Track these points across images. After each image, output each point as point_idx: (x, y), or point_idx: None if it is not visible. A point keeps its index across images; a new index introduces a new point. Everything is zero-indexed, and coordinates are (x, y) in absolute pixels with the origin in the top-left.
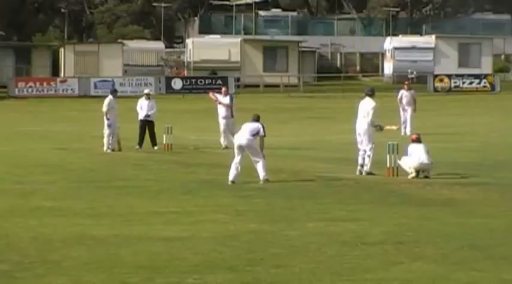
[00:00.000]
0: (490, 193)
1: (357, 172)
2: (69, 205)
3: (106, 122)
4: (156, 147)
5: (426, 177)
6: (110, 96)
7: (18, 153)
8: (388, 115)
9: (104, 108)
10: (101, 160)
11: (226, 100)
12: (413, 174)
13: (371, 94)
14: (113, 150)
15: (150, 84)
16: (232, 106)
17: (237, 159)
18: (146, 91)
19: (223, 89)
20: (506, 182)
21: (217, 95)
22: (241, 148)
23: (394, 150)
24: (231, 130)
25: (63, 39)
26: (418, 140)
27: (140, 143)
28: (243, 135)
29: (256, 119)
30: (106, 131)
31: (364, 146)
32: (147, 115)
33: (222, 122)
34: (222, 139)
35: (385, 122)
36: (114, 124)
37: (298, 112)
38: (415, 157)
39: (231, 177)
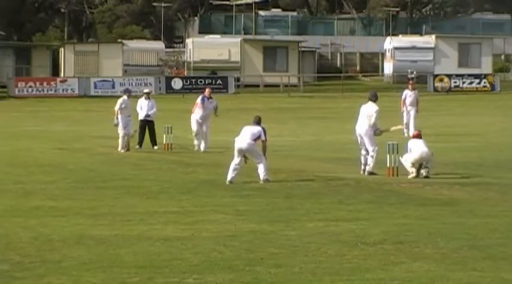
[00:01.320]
0: (490, 193)
1: (361, 172)
2: (69, 205)
3: (115, 121)
4: (156, 147)
5: (427, 177)
6: (124, 96)
7: (18, 153)
8: (387, 116)
9: (116, 107)
10: (101, 160)
11: (210, 104)
12: (414, 174)
13: (374, 100)
14: (127, 150)
15: (150, 84)
16: (215, 108)
17: (237, 160)
18: (146, 90)
19: (207, 91)
20: (506, 182)
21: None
22: (241, 151)
23: (394, 150)
24: (205, 134)
25: (63, 39)
26: (418, 136)
27: (140, 143)
28: (244, 138)
29: (258, 121)
30: (121, 131)
31: (367, 147)
32: (147, 115)
33: (195, 123)
34: (196, 142)
35: (387, 125)
36: (127, 124)
37: (298, 112)
38: (416, 150)
39: (229, 177)
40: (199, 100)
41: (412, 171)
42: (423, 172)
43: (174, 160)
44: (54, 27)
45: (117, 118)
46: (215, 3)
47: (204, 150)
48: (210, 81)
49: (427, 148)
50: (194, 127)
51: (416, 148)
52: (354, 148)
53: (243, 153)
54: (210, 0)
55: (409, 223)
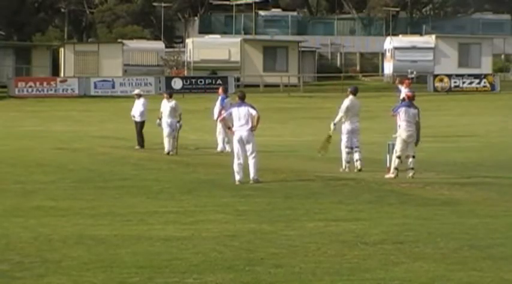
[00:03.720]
0: (490, 193)
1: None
2: (69, 205)
3: (157, 122)
4: (137, 147)
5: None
6: (164, 99)
7: (18, 152)
8: (385, 115)
9: (161, 109)
10: (101, 160)
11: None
12: (393, 175)
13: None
14: (168, 153)
15: (150, 84)
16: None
17: (240, 154)
18: (135, 91)
19: (221, 88)
20: (506, 182)
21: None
22: (241, 140)
23: (394, 149)
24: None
25: (63, 39)
26: (413, 98)
27: (140, 143)
28: (243, 127)
29: (243, 97)
30: (165, 133)
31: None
32: (132, 116)
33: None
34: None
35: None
36: (168, 126)
37: (298, 112)
38: (404, 127)
39: (238, 177)
40: (218, 103)
41: (393, 172)
42: (410, 173)
43: (174, 160)
44: (54, 27)
45: (159, 119)
46: (215, 3)
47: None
48: (210, 81)
49: (414, 125)
50: (223, 132)
51: (405, 124)
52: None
53: (243, 143)
54: (210, 0)
55: (409, 223)
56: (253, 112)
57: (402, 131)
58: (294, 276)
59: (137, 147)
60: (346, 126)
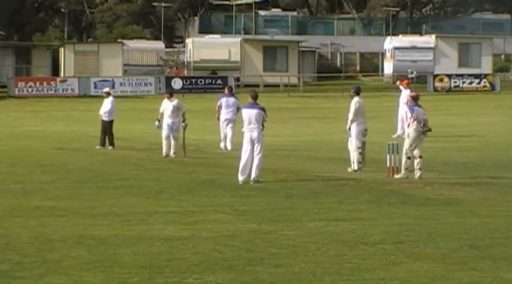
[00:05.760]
0: (490, 193)
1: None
2: (69, 205)
3: (156, 123)
4: (98, 147)
5: (420, 177)
6: (165, 98)
7: (18, 152)
8: (387, 115)
9: (161, 110)
10: (101, 160)
11: (230, 101)
12: (402, 175)
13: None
14: (172, 154)
15: (150, 84)
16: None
17: (248, 154)
18: (105, 90)
19: (226, 88)
20: (506, 182)
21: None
22: (252, 141)
23: (394, 149)
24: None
25: (63, 39)
26: (418, 98)
27: (105, 143)
28: (254, 127)
29: (255, 96)
30: (163, 135)
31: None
32: (100, 115)
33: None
34: (227, 144)
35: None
36: (169, 127)
37: (298, 112)
38: (415, 124)
39: (241, 177)
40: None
41: (405, 173)
42: (417, 174)
43: (174, 160)
44: (54, 27)
45: (158, 120)
46: (215, 3)
47: (231, 148)
48: (210, 81)
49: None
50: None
51: (416, 123)
52: None
53: (253, 143)
54: (210, 0)
55: (409, 223)
56: (265, 117)
57: (412, 131)
58: (294, 276)
59: (98, 146)
60: (355, 128)
